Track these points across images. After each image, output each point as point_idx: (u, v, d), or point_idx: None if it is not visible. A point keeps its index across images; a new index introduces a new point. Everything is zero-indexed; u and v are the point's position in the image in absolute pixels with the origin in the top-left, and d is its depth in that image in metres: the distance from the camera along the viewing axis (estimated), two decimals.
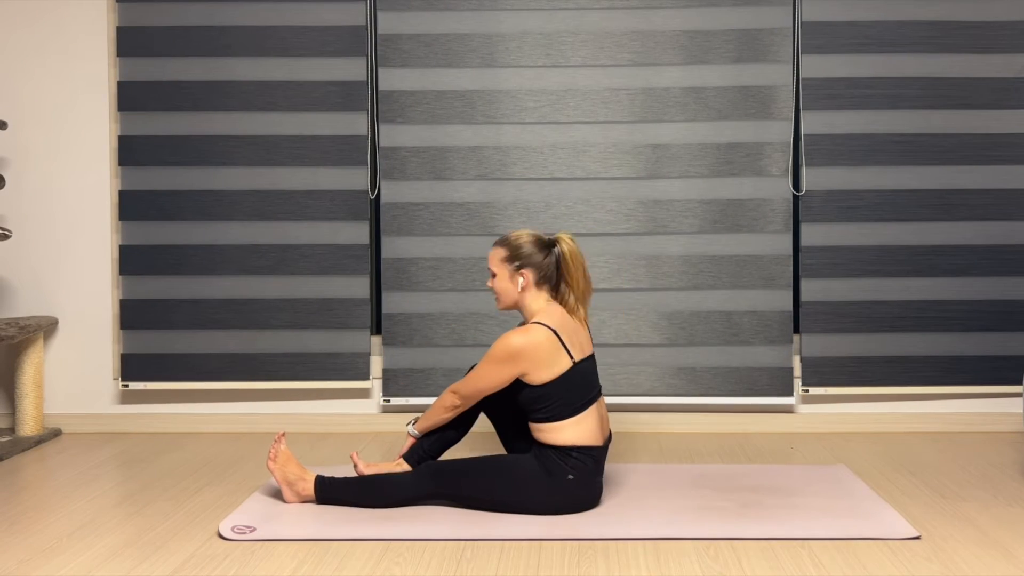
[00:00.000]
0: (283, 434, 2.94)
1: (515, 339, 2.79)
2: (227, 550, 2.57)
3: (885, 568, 2.41)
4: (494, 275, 2.92)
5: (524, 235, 2.91)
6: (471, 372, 2.92)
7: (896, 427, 3.91)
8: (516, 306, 2.93)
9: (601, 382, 3.86)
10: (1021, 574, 2.38)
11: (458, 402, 2.95)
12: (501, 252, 2.90)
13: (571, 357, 2.81)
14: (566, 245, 2.88)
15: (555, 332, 2.80)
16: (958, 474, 3.28)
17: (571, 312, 2.89)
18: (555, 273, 2.89)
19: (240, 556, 2.52)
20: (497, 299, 2.94)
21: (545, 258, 2.88)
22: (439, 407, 2.98)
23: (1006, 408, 3.90)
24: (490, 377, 2.85)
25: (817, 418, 3.92)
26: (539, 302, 2.89)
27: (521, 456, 2.86)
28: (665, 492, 3.03)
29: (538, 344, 2.78)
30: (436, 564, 2.45)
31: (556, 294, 2.91)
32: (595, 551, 2.55)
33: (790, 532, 2.65)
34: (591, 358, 2.92)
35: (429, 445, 3.03)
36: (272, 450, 2.93)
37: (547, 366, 2.79)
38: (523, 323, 2.89)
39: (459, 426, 3.03)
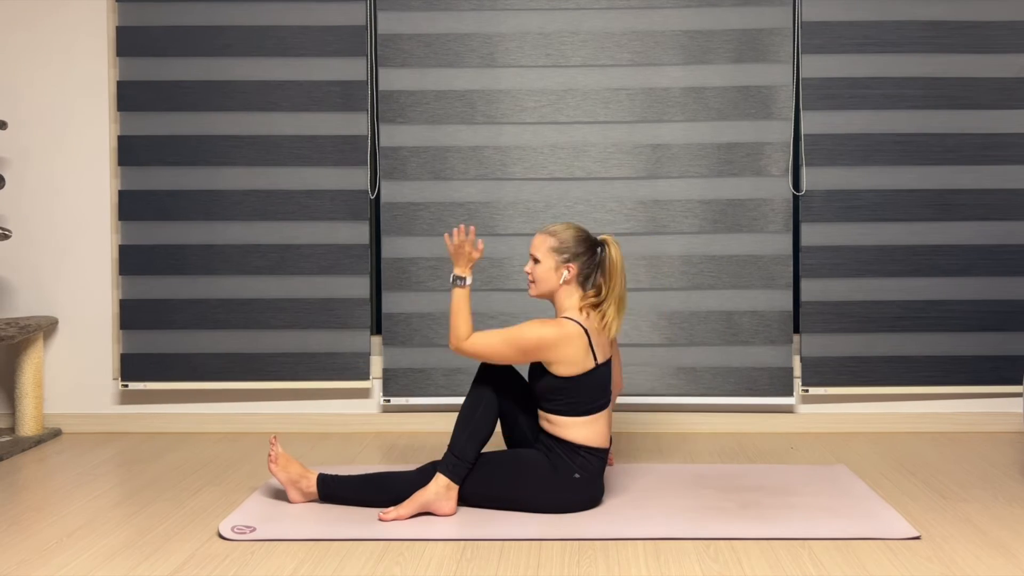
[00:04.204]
0: (275, 436, 2.94)
1: (548, 331, 2.79)
2: (227, 550, 2.57)
3: (885, 568, 2.41)
4: (536, 261, 2.90)
5: (575, 229, 2.90)
6: (494, 337, 2.81)
7: (896, 427, 3.91)
8: (550, 296, 2.91)
9: None
10: (1021, 574, 2.38)
11: (464, 346, 2.84)
12: (551, 241, 2.88)
13: (595, 359, 2.83)
14: (613, 249, 2.88)
15: (586, 332, 2.82)
16: (958, 474, 3.28)
17: (603, 317, 2.86)
18: (595, 273, 2.91)
19: (240, 556, 2.52)
20: (533, 284, 2.92)
21: (591, 257, 2.89)
22: (464, 320, 2.87)
23: (1006, 408, 3.90)
24: (508, 356, 2.81)
25: (817, 418, 3.92)
26: (573, 299, 2.88)
27: (528, 451, 2.86)
28: (665, 492, 3.03)
29: (570, 340, 2.79)
30: (436, 564, 2.45)
31: (586, 292, 2.89)
32: (595, 551, 2.55)
33: (790, 532, 2.65)
34: (608, 364, 2.91)
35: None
36: (271, 453, 2.93)
37: (572, 362, 2.80)
38: (556, 316, 2.90)
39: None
